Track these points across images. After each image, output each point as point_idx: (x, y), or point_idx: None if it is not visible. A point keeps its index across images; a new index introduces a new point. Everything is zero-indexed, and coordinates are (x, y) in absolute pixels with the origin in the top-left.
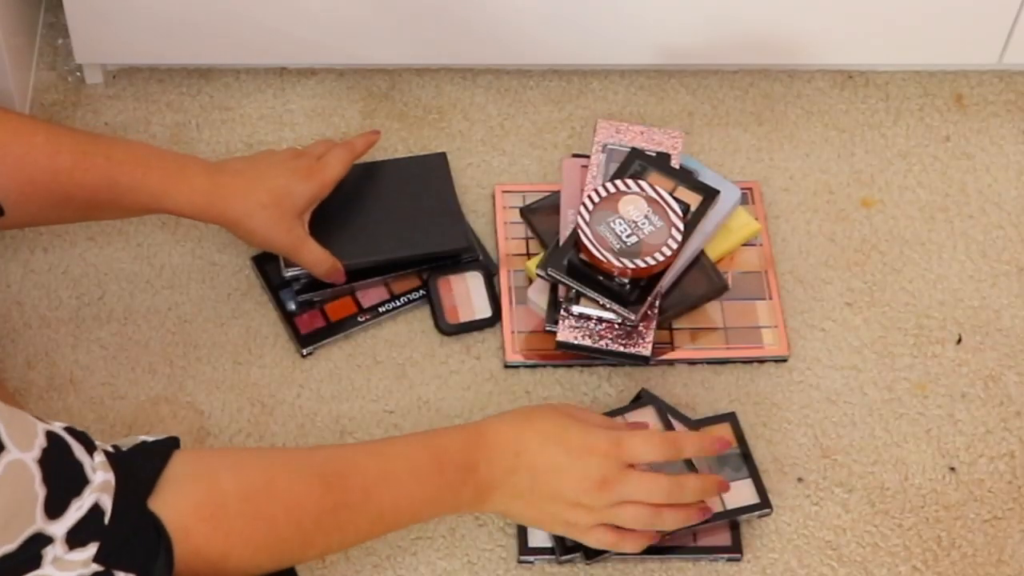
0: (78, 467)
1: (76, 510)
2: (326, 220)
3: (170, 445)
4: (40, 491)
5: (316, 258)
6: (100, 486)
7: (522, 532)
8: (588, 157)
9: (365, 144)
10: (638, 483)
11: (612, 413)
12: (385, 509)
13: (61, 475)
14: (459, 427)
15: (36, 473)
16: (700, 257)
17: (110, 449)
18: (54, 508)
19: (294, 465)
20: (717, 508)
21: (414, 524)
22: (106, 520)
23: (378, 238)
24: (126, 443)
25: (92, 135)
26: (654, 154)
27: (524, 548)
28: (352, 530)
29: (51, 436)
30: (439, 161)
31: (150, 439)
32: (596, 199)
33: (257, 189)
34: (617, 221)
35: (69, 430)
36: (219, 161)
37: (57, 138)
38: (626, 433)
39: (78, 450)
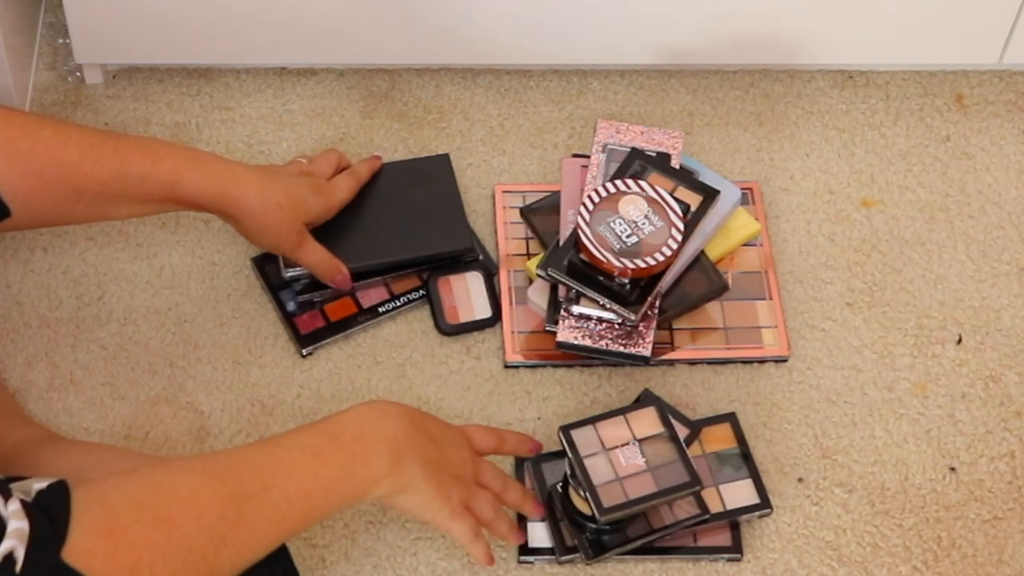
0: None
1: None
2: (330, 225)
3: (63, 485)
4: None
5: (319, 263)
6: (14, 533)
7: None
8: (588, 157)
9: (369, 171)
10: (485, 463)
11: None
12: (291, 493)
13: None
14: (342, 410)
15: None
16: (700, 257)
17: (24, 498)
18: None
19: (181, 468)
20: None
21: (338, 507)
22: (17, 569)
23: (382, 240)
24: (22, 488)
25: (102, 130)
26: (654, 154)
27: (524, 548)
28: (263, 522)
29: None
30: (442, 163)
31: (43, 484)
32: (596, 199)
33: (275, 187)
34: (617, 221)
35: None
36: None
37: (64, 132)
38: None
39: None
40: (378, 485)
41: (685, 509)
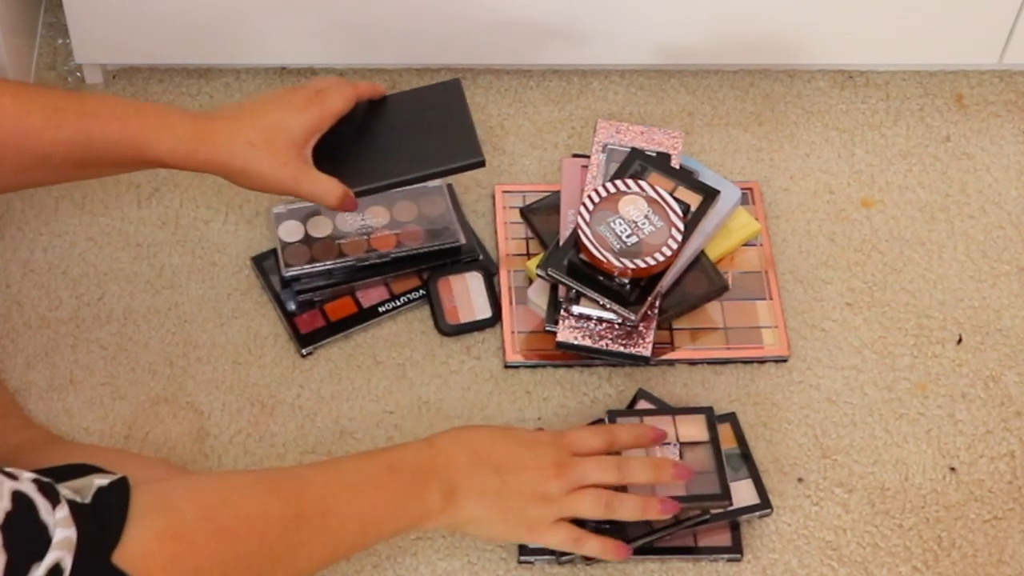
0: (42, 529)
1: (34, 572)
2: (333, 151)
3: (125, 485)
4: (1, 557)
5: (323, 188)
6: (60, 543)
7: None
8: (588, 157)
9: (369, 89)
10: (588, 463)
11: (611, 414)
12: (347, 520)
13: (23, 540)
14: (409, 442)
15: None
16: (700, 257)
17: (77, 499)
18: (14, 574)
19: (248, 482)
20: (680, 500)
21: (387, 537)
22: None
23: (388, 161)
24: (81, 486)
25: (66, 92)
26: (654, 154)
27: (524, 548)
28: (318, 546)
29: (17, 497)
30: (454, 87)
31: (104, 482)
32: (596, 199)
33: (244, 128)
34: (617, 221)
35: (37, 484)
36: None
37: (26, 98)
38: (563, 429)
39: (43, 510)
40: (432, 520)
41: (685, 509)
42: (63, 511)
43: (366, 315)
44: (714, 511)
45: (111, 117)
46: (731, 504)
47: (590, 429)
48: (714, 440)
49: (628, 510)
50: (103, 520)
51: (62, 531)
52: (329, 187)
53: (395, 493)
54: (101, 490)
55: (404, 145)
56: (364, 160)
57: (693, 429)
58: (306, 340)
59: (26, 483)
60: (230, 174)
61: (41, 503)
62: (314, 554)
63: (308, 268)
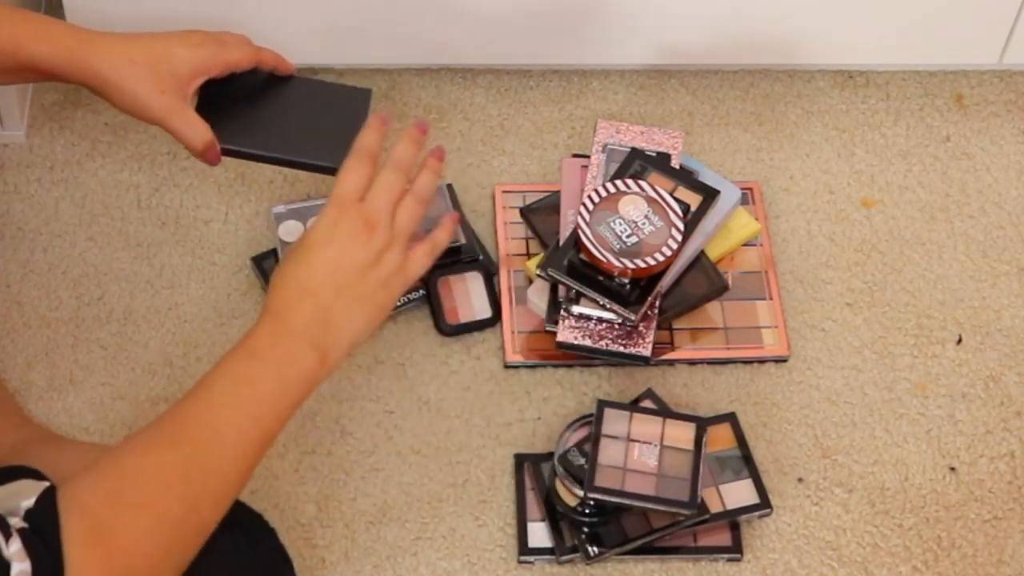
0: (5, 567)
1: None
2: (217, 103)
3: (51, 500)
4: None
5: (192, 130)
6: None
7: (522, 532)
8: (588, 157)
9: (273, 58)
10: (375, 190)
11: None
12: (241, 425)
13: None
14: (252, 325)
15: None
16: (700, 257)
17: (23, 525)
18: None
19: (134, 447)
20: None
21: (293, 410)
22: None
23: (263, 133)
24: (3, 497)
25: None
26: (654, 154)
27: (524, 548)
28: (227, 464)
29: None
30: (363, 96)
31: (31, 501)
32: (596, 199)
33: (132, 47)
34: (617, 221)
35: None
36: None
37: None
38: (339, 183)
39: (2, 547)
40: (323, 369)
41: (651, 511)
42: (16, 544)
43: None
44: (679, 519)
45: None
46: (698, 514)
47: (354, 169)
48: (697, 452)
49: (426, 184)
50: (49, 547)
51: (18, 565)
52: (198, 130)
53: (268, 374)
54: (30, 512)
55: (285, 125)
56: (241, 123)
57: (681, 435)
58: None
59: None
60: (105, 88)
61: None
62: (228, 474)
63: None
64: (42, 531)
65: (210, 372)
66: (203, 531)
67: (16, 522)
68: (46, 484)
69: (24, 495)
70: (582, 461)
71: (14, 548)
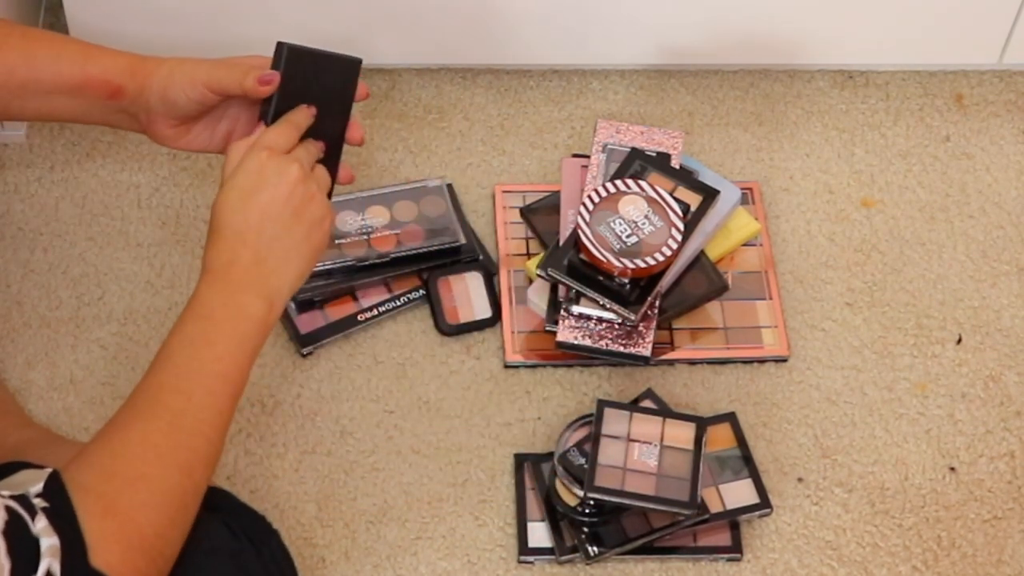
0: (35, 543)
1: None
2: None
3: (59, 483)
4: (6, 563)
5: (242, 63)
6: (49, 551)
7: (522, 532)
8: (588, 157)
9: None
10: (302, 144)
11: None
12: (209, 385)
13: (23, 549)
14: (194, 288)
15: (2, 544)
16: (700, 257)
17: (45, 504)
18: None
19: (119, 425)
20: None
21: (253, 359)
22: None
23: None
24: (15, 485)
25: (6, 21)
26: (654, 154)
27: (524, 548)
28: (206, 424)
29: (8, 509)
30: (352, 65)
31: (40, 485)
32: (596, 199)
33: (183, 61)
34: (617, 221)
35: (17, 500)
36: None
37: None
38: (265, 135)
39: (30, 524)
40: (271, 316)
41: (652, 511)
42: (42, 521)
43: (366, 315)
44: (679, 519)
45: (53, 39)
46: (698, 514)
47: (282, 130)
48: (697, 451)
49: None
50: (69, 522)
51: (47, 539)
52: (247, 62)
53: (225, 332)
54: (41, 495)
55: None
56: None
57: (681, 435)
58: (306, 340)
59: (5, 498)
60: (171, 78)
61: (27, 517)
62: (209, 433)
63: None
64: (59, 509)
65: (168, 341)
66: (198, 495)
67: (39, 502)
68: (50, 469)
69: (31, 482)
70: (582, 461)
71: (40, 525)
